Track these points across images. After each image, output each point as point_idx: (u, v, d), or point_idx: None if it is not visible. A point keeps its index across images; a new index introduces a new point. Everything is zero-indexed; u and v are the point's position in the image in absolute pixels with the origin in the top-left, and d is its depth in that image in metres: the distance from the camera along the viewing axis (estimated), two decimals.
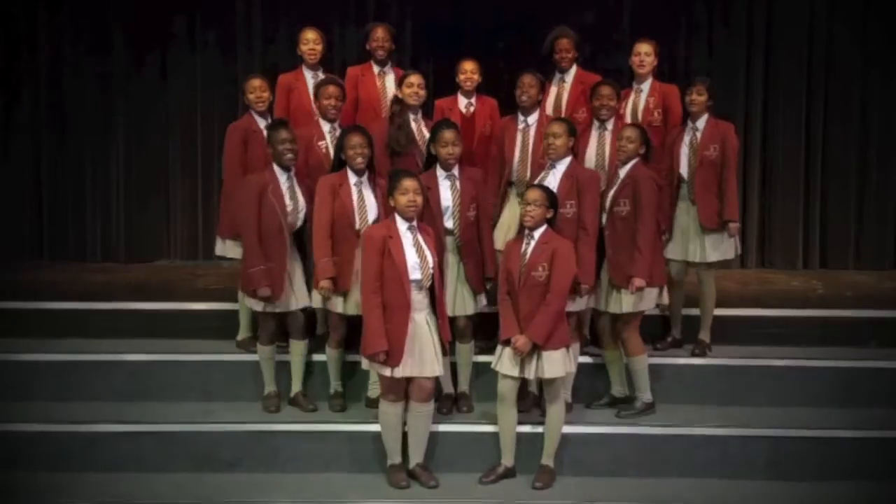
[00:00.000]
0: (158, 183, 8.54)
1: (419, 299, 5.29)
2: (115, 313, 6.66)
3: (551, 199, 5.35)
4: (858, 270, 8.28)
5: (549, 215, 5.34)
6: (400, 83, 6.13)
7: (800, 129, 8.36)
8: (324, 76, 6.41)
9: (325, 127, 6.08)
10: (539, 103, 6.18)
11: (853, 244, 8.40)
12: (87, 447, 5.69)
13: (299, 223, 5.84)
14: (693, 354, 6.21)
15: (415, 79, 6.05)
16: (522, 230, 5.41)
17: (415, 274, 5.24)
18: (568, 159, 5.69)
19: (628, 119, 6.36)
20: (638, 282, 5.63)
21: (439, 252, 5.45)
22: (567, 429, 5.63)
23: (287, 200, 5.74)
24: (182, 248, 8.58)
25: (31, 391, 6.08)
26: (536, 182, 5.62)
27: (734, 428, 5.75)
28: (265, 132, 6.01)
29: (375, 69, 6.59)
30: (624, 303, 5.72)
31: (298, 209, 5.80)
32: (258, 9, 8.38)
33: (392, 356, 5.24)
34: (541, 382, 5.56)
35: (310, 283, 5.85)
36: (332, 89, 6.06)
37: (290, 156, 5.73)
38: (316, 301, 5.81)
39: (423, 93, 6.07)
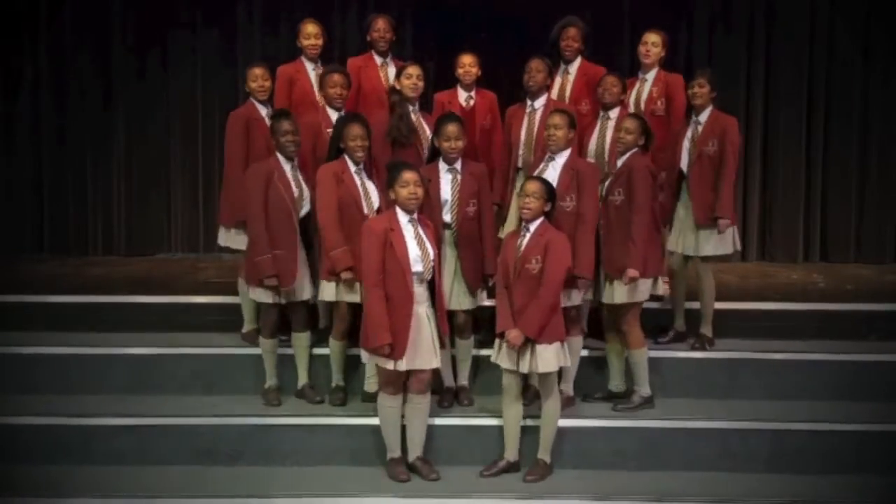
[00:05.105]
0: (159, 176, 8.56)
1: (420, 292, 5.27)
2: (115, 306, 6.67)
3: (549, 192, 5.29)
4: (859, 264, 8.30)
5: (546, 208, 5.28)
6: (398, 74, 6.11)
7: (800, 123, 8.37)
8: (322, 68, 6.40)
9: (333, 115, 6.07)
10: (547, 88, 6.20)
11: (854, 238, 8.43)
12: (88, 440, 5.69)
13: (304, 211, 5.82)
14: (693, 348, 6.21)
15: (413, 70, 6.02)
16: (521, 222, 5.37)
17: (417, 266, 5.23)
18: (567, 151, 5.64)
19: (631, 108, 6.35)
20: (631, 272, 5.57)
21: (438, 245, 5.43)
22: (567, 422, 5.62)
23: (294, 188, 5.75)
24: (183, 241, 8.61)
25: (32, 384, 6.08)
26: (536, 174, 5.58)
27: (735, 421, 5.74)
28: (267, 120, 6.07)
29: (378, 60, 6.57)
30: (616, 294, 5.68)
31: (304, 197, 5.80)
32: (259, 1, 8.38)
33: (396, 349, 5.22)
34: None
35: (314, 275, 5.84)
36: (337, 78, 6.07)
37: (292, 147, 5.76)
38: (328, 293, 5.71)
39: (421, 84, 6.04)
